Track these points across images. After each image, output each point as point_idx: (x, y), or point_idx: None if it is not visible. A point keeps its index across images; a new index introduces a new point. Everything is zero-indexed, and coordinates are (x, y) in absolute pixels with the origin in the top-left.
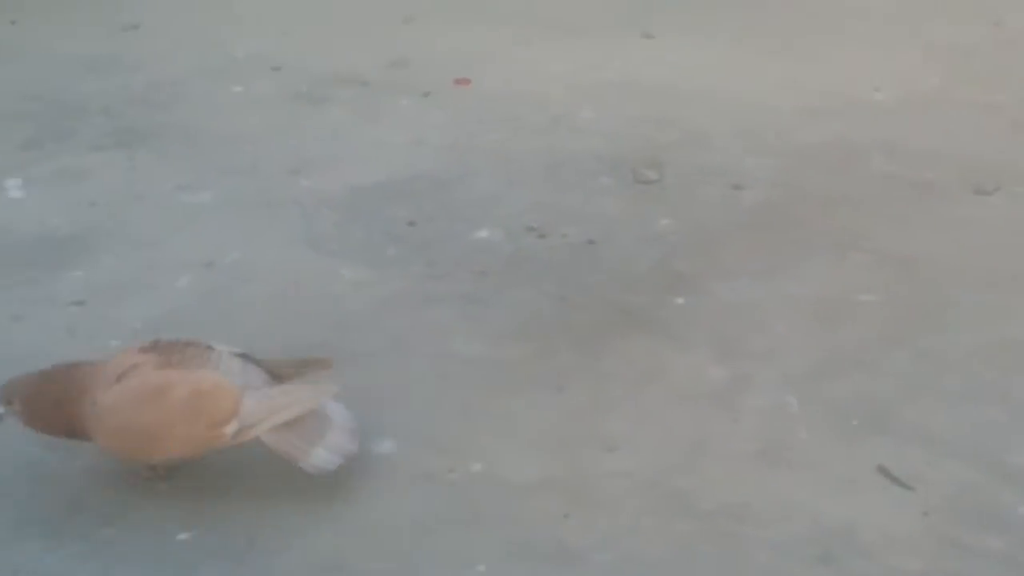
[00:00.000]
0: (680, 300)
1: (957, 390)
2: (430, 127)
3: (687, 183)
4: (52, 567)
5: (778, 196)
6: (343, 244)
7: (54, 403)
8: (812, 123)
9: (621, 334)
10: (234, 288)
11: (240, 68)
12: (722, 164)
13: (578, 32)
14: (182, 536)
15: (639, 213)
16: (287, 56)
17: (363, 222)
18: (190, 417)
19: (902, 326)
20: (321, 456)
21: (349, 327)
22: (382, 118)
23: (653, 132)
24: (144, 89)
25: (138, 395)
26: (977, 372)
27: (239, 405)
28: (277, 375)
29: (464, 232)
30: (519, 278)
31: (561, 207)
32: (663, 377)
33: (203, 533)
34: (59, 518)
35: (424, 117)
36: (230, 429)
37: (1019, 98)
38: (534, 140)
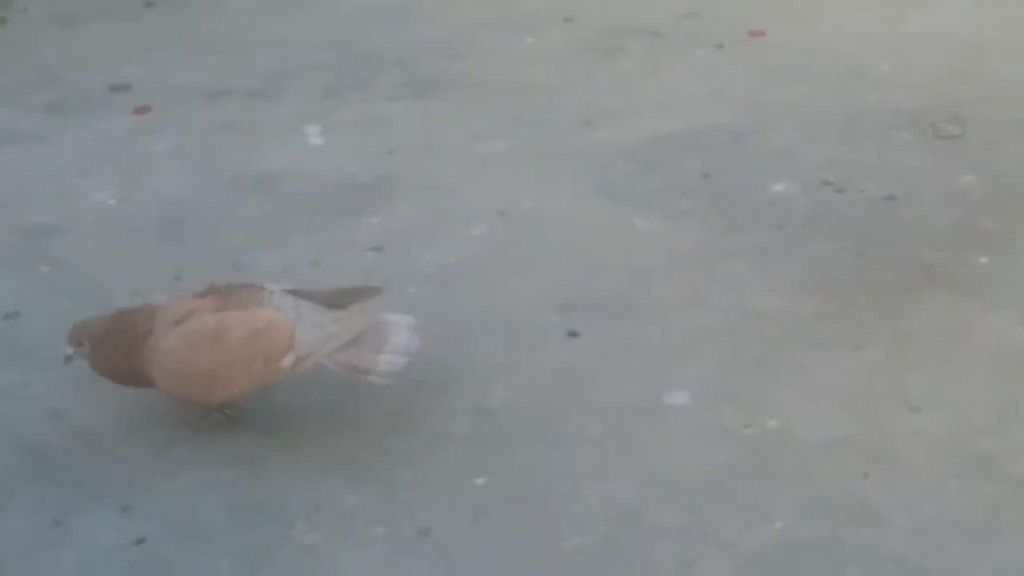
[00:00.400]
0: (984, 259)
1: None
2: (724, 79)
3: (991, 138)
4: (352, 506)
5: None
6: (637, 195)
7: (118, 346)
8: None
9: (922, 292)
10: (527, 237)
11: (533, 19)
12: None
13: None
14: (478, 480)
15: (940, 169)
16: (579, 7)
17: (657, 173)
18: (247, 356)
19: None
20: (388, 361)
21: (643, 278)
22: (675, 69)
23: (954, 85)
24: (438, 40)
25: (197, 338)
26: None
27: (293, 338)
28: (330, 305)
29: (759, 185)
30: (816, 233)
31: (858, 162)
32: (967, 337)
33: (499, 479)
34: (359, 459)
35: (718, 69)
36: (287, 362)
37: None
38: (830, 93)
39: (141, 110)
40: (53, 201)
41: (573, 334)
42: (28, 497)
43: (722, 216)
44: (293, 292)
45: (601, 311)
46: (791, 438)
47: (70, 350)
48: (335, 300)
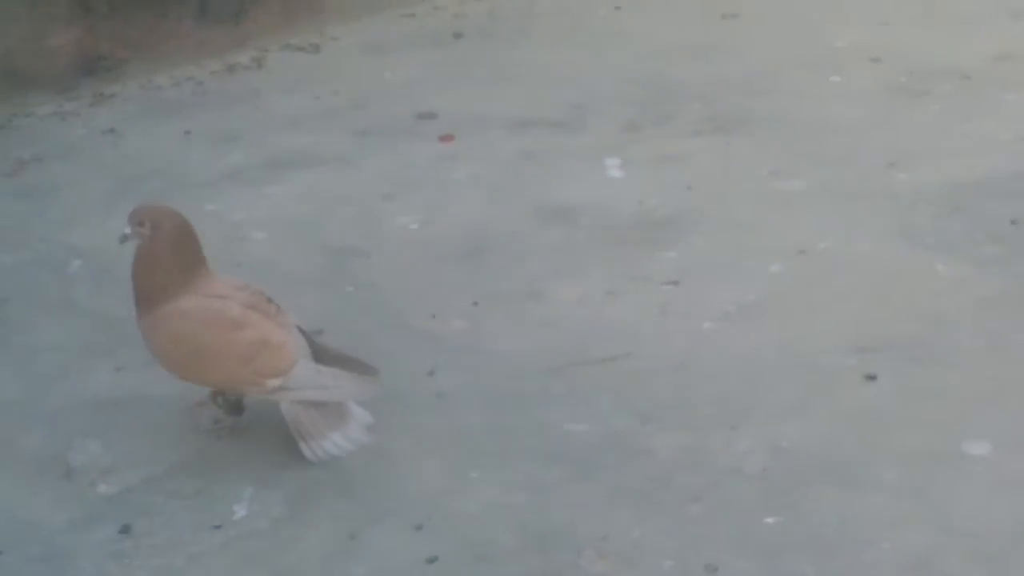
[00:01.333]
0: None
1: None
2: None
3: None
4: (639, 538)
5: None
6: (940, 239)
7: (175, 249)
8: None
9: None
10: (826, 277)
11: (838, 58)
12: None
13: None
14: (769, 520)
15: None
16: (887, 47)
17: (962, 218)
18: (244, 358)
19: None
20: (336, 442)
21: (944, 324)
22: (984, 113)
23: None
24: (741, 77)
25: (213, 318)
26: None
27: (291, 368)
28: (318, 356)
29: None
30: None
31: None
32: None
33: (790, 520)
34: (647, 491)
35: None
36: (272, 384)
37: None
38: None
39: (446, 138)
40: (358, 223)
41: (870, 377)
42: (327, 511)
43: None
44: (303, 331)
45: (900, 355)
46: None
47: (128, 229)
48: (335, 360)
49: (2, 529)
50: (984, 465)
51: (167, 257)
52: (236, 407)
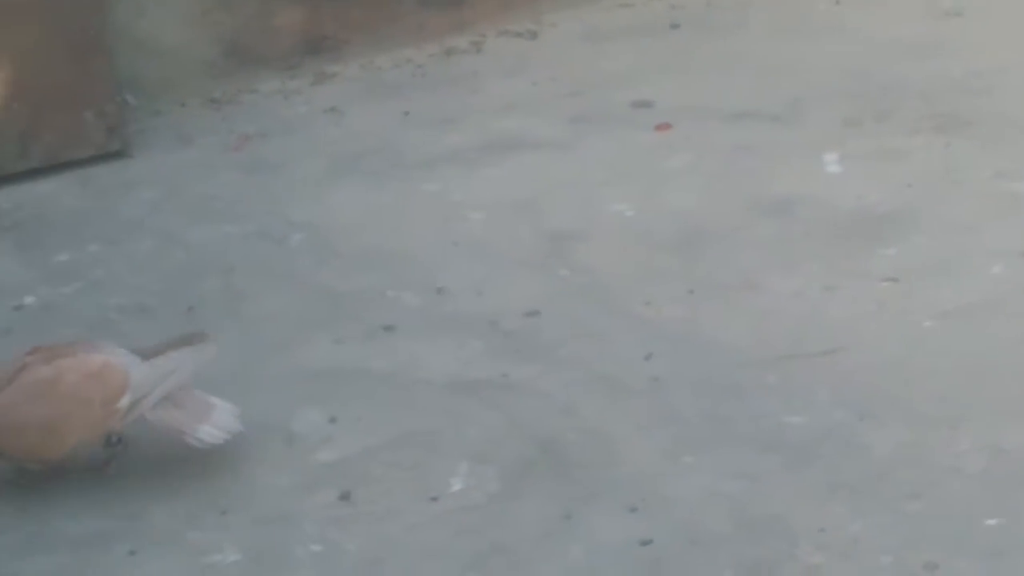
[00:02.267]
0: None
1: None
2: None
3: None
4: (857, 532)
5: None
6: None
7: None
8: None
9: None
10: None
11: None
12: None
13: None
14: (990, 521)
15: None
16: None
17: None
18: (84, 401)
19: None
20: (208, 432)
21: None
22: None
23: None
24: (963, 75)
25: (32, 390)
26: None
27: (128, 377)
28: (144, 355)
29: None
30: None
31: None
32: None
33: (1014, 522)
34: (864, 486)
35: None
36: (123, 403)
37: None
38: None
39: (662, 127)
40: (574, 208)
41: None
42: (542, 489)
43: None
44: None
45: None
46: None
47: None
48: (159, 349)
49: (227, 489)
50: None
51: None
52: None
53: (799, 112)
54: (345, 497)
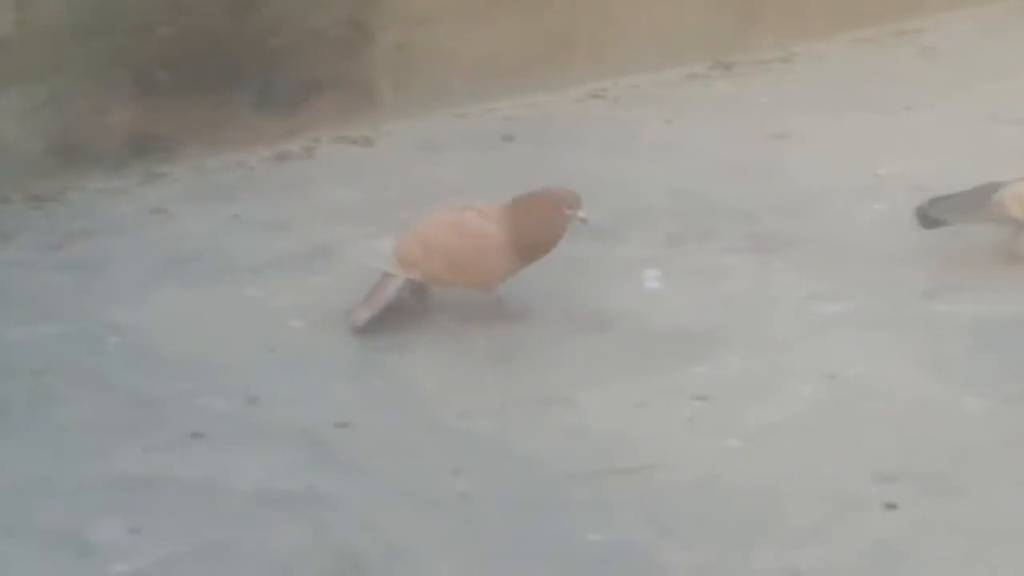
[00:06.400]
0: None
1: None
2: None
3: None
4: None
5: None
6: (971, 373)
7: None
8: None
9: None
10: (854, 403)
11: (882, 186)
12: None
13: None
14: None
15: None
16: (932, 177)
17: (995, 352)
18: None
19: None
20: None
21: (969, 458)
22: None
23: None
24: (785, 198)
25: None
26: None
27: None
28: None
29: None
30: None
31: None
32: None
33: None
34: None
35: None
36: None
37: None
38: None
39: None
40: (399, 314)
41: (891, 506)
42: None
43: None
44: None
45: (922, 487)
46: None
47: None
48: None
49: None
50: None
51: None
52: None
53: (624, 228)
54: None
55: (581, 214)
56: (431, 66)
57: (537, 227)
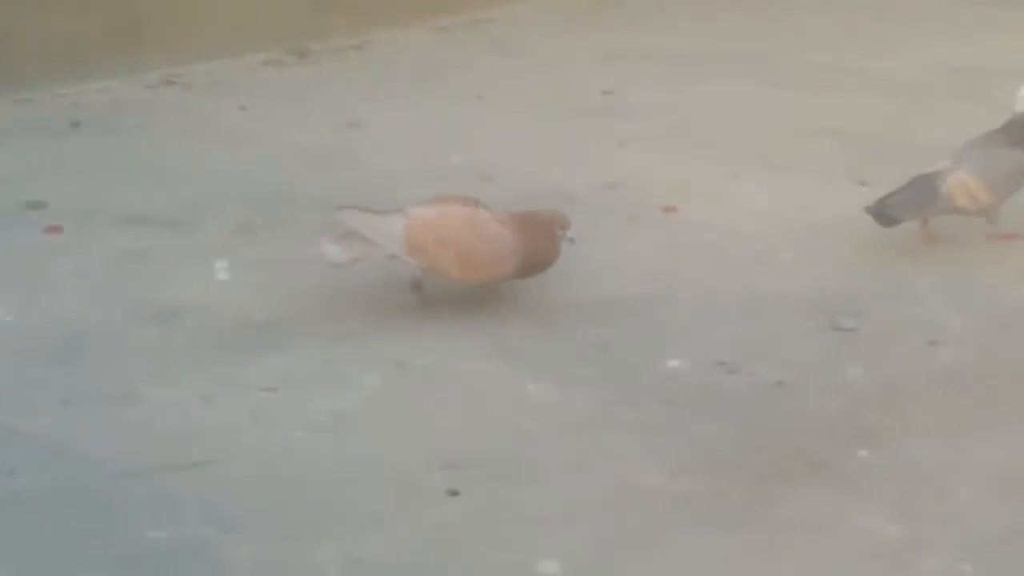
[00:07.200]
0: (864, 453)
1: None
2: (632, 251)
3: (884, 334)
4: None
5: (975, 359)
6: (534, 359)
7: None
8: (1020, 288)
9: (800, 481)
10: (422, 391)
11: (453, 173)
12: (922, 318)
13: (789, 171)
14: None
15: (832, 360)
16: (500, 167)
17: (556, 340)
18: None
19: None
20: None
21: (529, 442)
22: (586, 237)
23: (856, 279)
24: (359, 186)
25: None
26: None
27: None
28: None
29: (655, 360)
30: (704, 412)
31: (754, 345)
32: (838, 530)
33: None
34: None
35: (628, 241)
36: None
37: None
38: (734, 275)
39: (53, 229)
40: None
41: (453, 492)
42: None
43: (614, 387)
44: None
45: (484, 472)
46: None
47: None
48: None
49: None
50: None
51: None
52: None
53: (195, 219)
54: None
55: (569, 234)
56: None
57: (543, 246)
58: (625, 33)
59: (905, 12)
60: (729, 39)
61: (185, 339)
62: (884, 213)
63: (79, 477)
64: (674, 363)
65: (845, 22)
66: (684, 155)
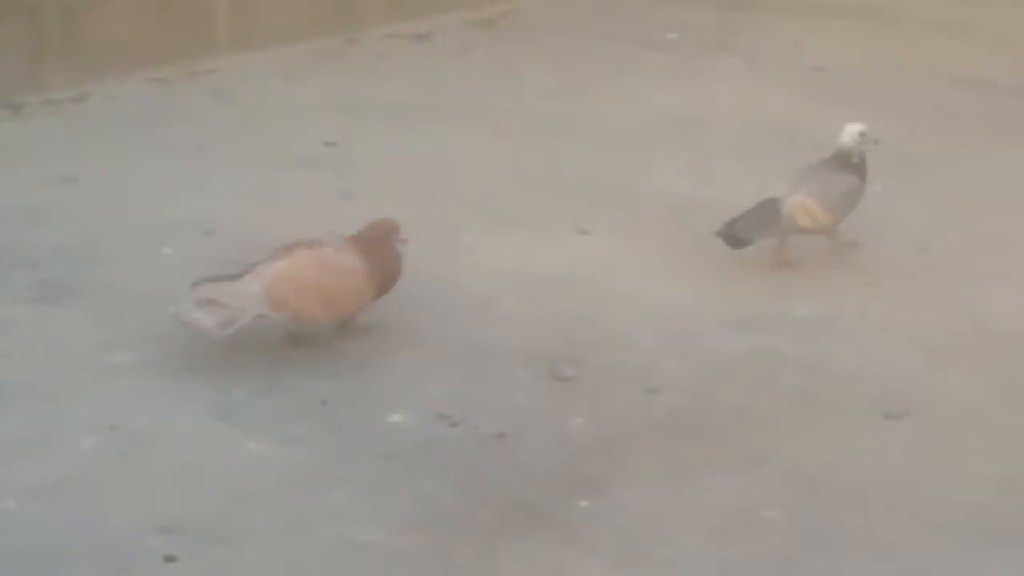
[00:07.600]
0: (584, 503)
1: None
2: None
3: (603, 383)
4: None
5: (692, 404)
6: (253, 417)
7: None
8: (733, 333)
9: (522, 534)
10: (138, 454)
11: (173, 229)
12: (640, 366)
13: (512, 222)
14: None
15: (553, 409)
16: (222, 220)
17: (277, 397)
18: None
19: (801, 547)
20: None
21: (248, 503)
22: None
23: (575, 329)
24: (74, 244)
25: None
26: None
27: None
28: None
29: (377, 415)
30: (426, 466)
31: (475, 397)
32: None
33: None
34: None
35: None
36: None
37: (939, 325)
38: (455, 326)
39: None
40: None
41: (170, 559)
42: None
43: (335, 444)
44: None
45: (202, 535)
46: None
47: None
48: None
49: None
50: None
51: None
52: None
53: None
54: None
55: (403, 237)
56: None
57: (391, 261)
58: (350, 84)
59: (626, 63)
60: (455, 91)
61: None
62: (732, 234)
63: None
64: (395, 418)
65: (569, 74)
66: (407, 207)
